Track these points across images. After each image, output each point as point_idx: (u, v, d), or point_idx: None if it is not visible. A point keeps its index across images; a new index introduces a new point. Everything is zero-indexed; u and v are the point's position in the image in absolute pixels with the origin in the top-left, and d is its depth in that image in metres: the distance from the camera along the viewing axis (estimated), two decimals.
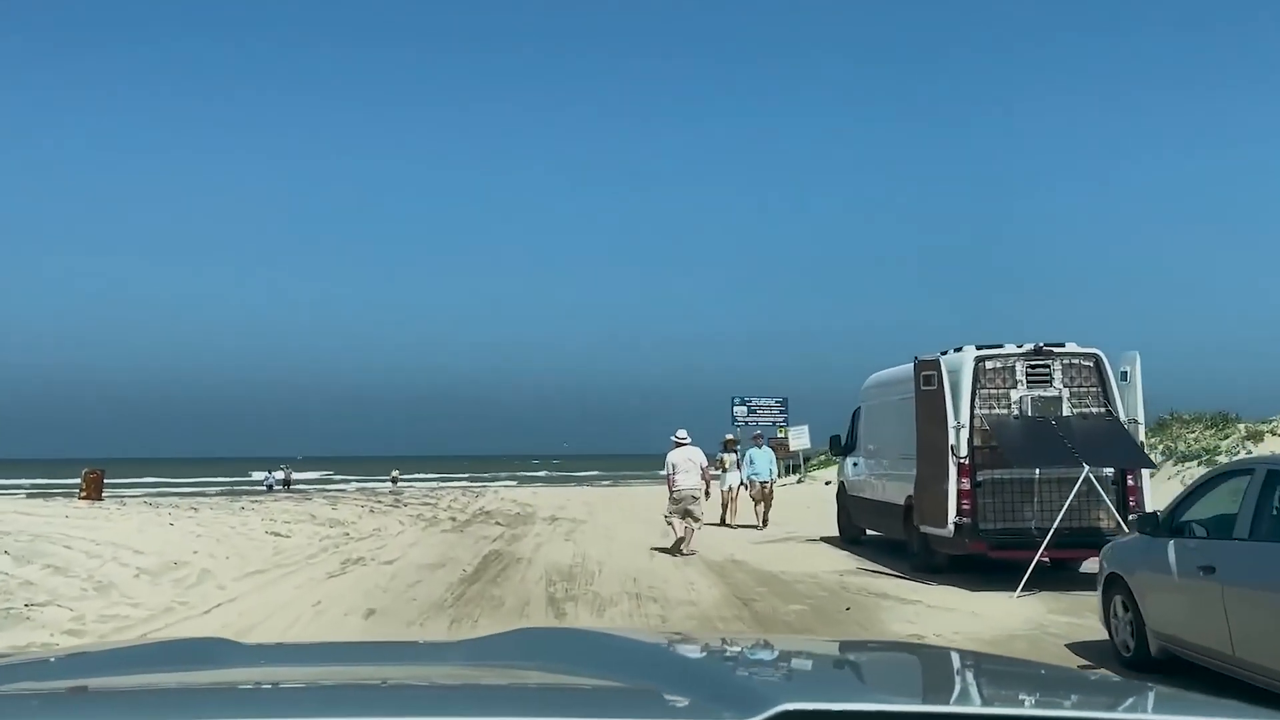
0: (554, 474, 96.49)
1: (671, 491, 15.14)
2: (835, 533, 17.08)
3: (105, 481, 29.39)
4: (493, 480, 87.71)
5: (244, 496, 33.57)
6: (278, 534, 17.74)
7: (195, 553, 14.27)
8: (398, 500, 30.25)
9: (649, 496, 27.64)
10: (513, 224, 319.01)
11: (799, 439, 38.11)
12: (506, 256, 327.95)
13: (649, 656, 2.13)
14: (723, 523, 19.14)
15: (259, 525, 18.87)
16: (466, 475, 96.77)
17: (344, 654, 2.53)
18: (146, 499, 30.07)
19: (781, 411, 43.56)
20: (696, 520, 15.10)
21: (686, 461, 15.22)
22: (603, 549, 15.83)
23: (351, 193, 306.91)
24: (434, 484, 71.64)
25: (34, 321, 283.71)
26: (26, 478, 72.04)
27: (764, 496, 19.24)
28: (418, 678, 1.92)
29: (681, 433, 15.85)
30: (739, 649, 2.56)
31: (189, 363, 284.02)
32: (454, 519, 23.10)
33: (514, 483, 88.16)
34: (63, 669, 2.08)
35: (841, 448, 17.43)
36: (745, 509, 19.45)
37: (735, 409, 43.36)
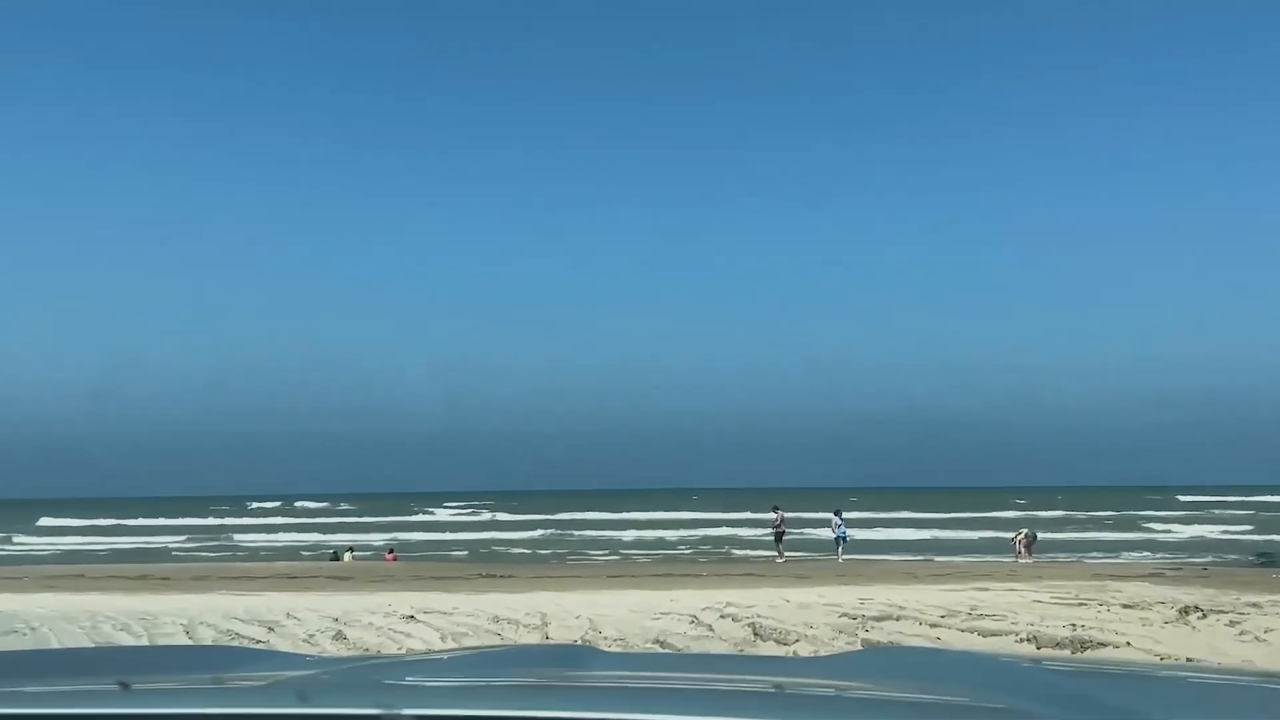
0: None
1: None
2: None
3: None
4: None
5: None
6: None
7: None
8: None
9: None
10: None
11: None
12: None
13: (1009, 677, 2.05)
14: None
15: None
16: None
17: (706, 664, 2.70)
18: None
19: None
20: None
21: None
22: None
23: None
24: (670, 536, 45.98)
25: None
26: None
27: None
28: (774, 687, 1.93)
29: None
30: (1103, 672, 2.51)
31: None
32: None
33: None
34: (454, 666, 2.47)
35: None
36: None
37: None
